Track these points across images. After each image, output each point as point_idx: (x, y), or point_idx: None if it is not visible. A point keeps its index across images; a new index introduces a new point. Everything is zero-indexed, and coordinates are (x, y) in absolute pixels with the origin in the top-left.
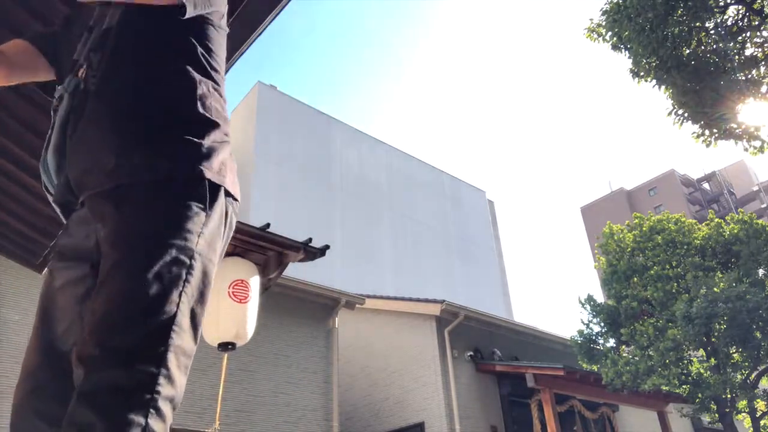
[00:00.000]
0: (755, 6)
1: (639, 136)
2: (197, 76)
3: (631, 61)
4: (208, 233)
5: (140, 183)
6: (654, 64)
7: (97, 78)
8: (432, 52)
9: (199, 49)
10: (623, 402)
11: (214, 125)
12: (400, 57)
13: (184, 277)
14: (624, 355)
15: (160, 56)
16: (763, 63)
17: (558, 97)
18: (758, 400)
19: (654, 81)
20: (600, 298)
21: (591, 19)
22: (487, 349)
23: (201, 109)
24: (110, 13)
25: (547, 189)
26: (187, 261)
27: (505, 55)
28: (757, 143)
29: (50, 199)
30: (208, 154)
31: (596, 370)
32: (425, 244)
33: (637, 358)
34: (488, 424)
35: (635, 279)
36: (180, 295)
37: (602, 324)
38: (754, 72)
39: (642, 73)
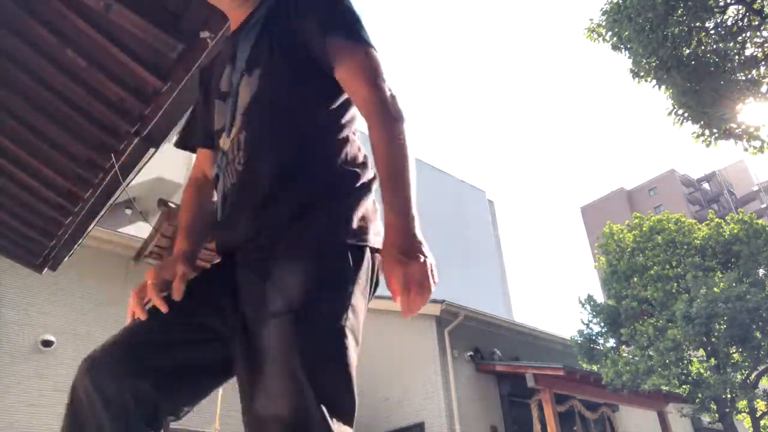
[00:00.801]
0: (755, 6)
1: (639, 136)
2: (341, 127)
3: (631, 61)
4: (356, 302)
5: (292, 253)
6: (654, 64)
7: (244, 159)
8: (433, 51)
9: (343, 97)
10: (623, 402)
11: (356, 176)
12: (401, 57)
13: (345, 352)
14: (624, 355)
15: (307, 119)
16: (763, 63)
17: (558, 97)
18: (758, 400)
19: (654, 81)
20: (600, 298)
21: (591, 19)
22: (487, 349)
23: (345, 165)
24: (245, 82)
25: (547, 189)
26: (348, 336)
27: (505, 55)
28: (757, 143)
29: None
30: (350, 215)
31: (596, 370)
32: (425, 244)
33: (637, 358)
34: (488, 424)
35: (635, 279)
36: (348, 369)
37: (602, 324)
38: (754, 72)
39: (642, 73)
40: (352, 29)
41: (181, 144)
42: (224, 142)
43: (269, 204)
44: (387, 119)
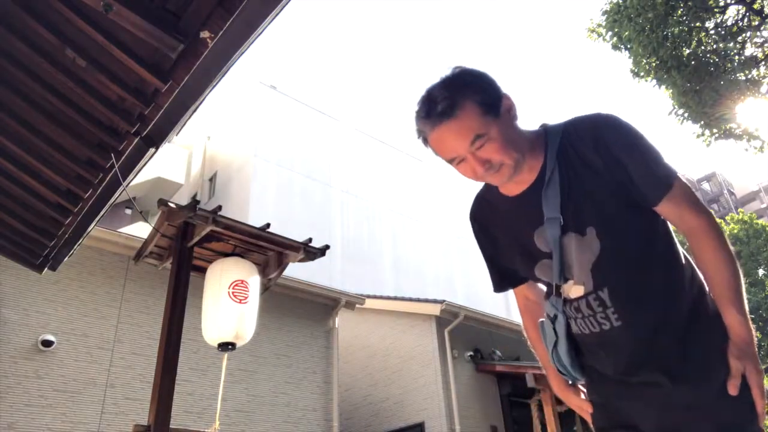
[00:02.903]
0: (755, 6)
1: None
2: (682, 262)
3: (631, 61)
4: None
5: (703, 387)
6: (654, 64)
7: (618, 314)
8: (433, 50)
9: (662, 225)
10: None
11: (715, 311)
12: (401, 56)
13: None
14: None
15: (660, 263)
16: (763, 63)
17: (558, 96)
18: None
19: (654, 81)
20: None
21: (591, 19)
22: (487, 349)
23: (707, 299)
24: (573, 239)
25: None
26: None
27: (505, 55)
28: (757, 143)
29: (563, 372)
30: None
31: None
32: (425, 244)
33: None
34: (488, 424)
35: None
36: None
37: None
38: (754, 72)
39: (642, 73)
40: (667, 167)
41: (500, 289)
42: (564, 292)
43: (666, 358)
44: (723, 242)
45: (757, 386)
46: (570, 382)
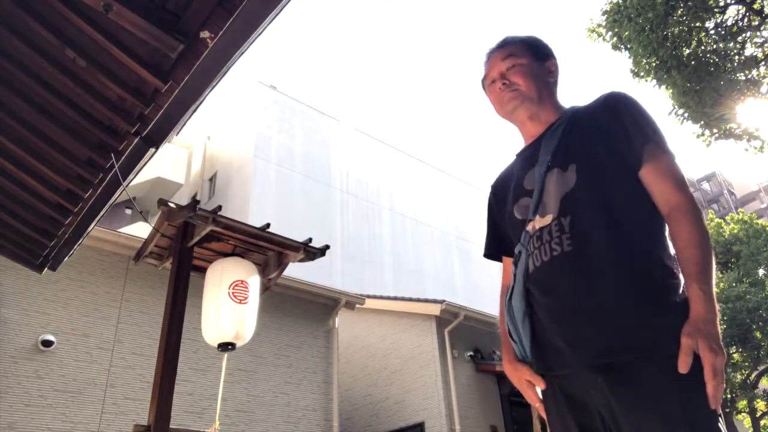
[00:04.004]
0: (755, 6)
1: None
2: (659, 223)
3: (631, 61)
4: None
5: (649, 359)
6: (654, 64)
7: (572, 240)
8: (433, 51)
9: (645, 192)
10: None
11: (677, 272)
12: (401, 56)
13: None
14: None
15: (631, 214)
16: (763, 63)
17: (558, 96)
18: (758, 400)
19: (654, 81)
20: None
21: (591, 20)
22: (487, 349)
23: (669, 262)
24: (554, 175)
25: None
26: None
27: None
28: (757, 143)
29: (514, 336)
30: (686, 311)
31: None
32: (425, 244)
33: None
34: (488, 424)
35: None
36: None
37: None
38: (754, 72)
39: (642, 73)
40: (663, 140)
41: (490, 255)
42: (531, 227)
43: (616, 292)
44: (698, 221)
45: (710, 366)
46: (520, 357)
